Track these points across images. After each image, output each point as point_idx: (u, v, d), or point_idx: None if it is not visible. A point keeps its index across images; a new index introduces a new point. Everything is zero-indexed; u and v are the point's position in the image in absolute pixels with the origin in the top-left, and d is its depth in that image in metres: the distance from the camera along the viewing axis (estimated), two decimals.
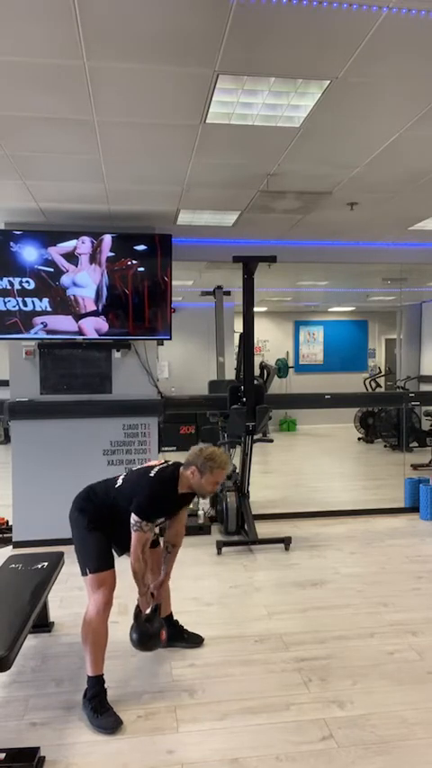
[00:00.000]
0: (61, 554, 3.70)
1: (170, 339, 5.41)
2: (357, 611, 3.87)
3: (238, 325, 5.47)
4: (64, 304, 5.03)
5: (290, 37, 2.39)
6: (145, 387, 5.43)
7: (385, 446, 10.10)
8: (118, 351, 5.36)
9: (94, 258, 5.02)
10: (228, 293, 7.31)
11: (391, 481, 7.20)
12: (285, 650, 3.37)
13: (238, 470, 5.54)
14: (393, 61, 2.56)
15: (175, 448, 7.50)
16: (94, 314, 5.09)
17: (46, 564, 3.48)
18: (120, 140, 3.43)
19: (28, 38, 2.37)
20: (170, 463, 3.12)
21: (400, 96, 2.89)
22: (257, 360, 5.44)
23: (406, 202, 4.65)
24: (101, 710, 2.75)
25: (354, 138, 3.39)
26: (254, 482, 5.55)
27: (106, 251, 5.03)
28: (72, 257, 4.99)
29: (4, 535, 5.34)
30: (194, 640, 3.43)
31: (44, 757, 2.51)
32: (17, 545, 5.12)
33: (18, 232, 4.96)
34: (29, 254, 4.94)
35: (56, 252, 4.97)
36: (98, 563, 2.91)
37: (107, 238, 5.03)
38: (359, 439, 10.87)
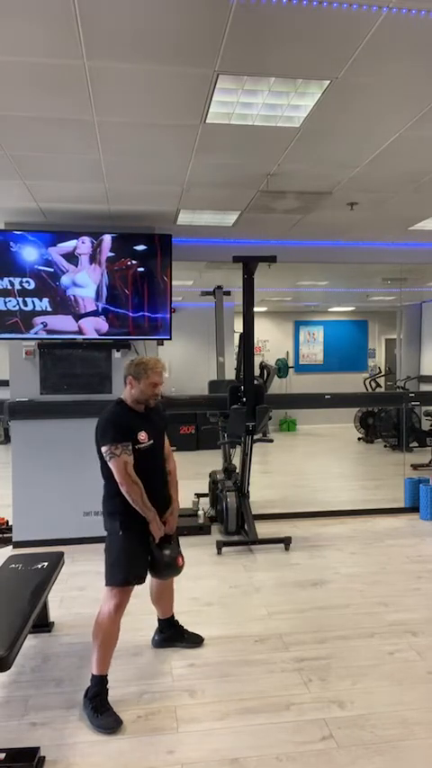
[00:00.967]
0: (61, 554, 3.70)
1: (170, 339, 5.41)
2: (357, 611, 3.87)
3: (238, 325, 5.47)
4: (64, 304, 5.03)
5: (290, 37, 2.39)
6: None
7: (385, 446, 10.10)
8: (118, 351, 5.36)
9: (94, 258, 5.02)
10: (228, 293, 7.30)
11: (391, 481, 7.21)
12: (285, 650, 3.37)
13: (238, 470, 5.54)
14: (393, 61, 2.56)
15: (174, 448, 7.48)
16: (94, 314, 5.09)
17: (46, 564, 3.48)
18: (120, 140, 3.43)
19: (28, 38, 2.37)
20: None
21: (400, 96, 2.89)
22: (257, 360, 5.43)
23: (406, 202, 4.65)
24: (101, 710, 2.75)
25: (354, 138, 3.39)
26: (254, 482, 5.55)
27: (106, 251, 5.03)
28: (72, 257, 4.99)
29: (4, 535, 5.34)
30: (194, 640, 3.43)
31: (44, 757, 2.51)
32: (17, 545, 5.12)
33: (18, 232, 4.95)
34: (29, 254, 4.93)
35: (56, 252, 4.97)
36: (126, 578, 2.89)
37: (107, 238, 5.02)
38: (359, 439, 10.87)
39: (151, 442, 3.02)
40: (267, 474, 8.25)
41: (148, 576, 3.07)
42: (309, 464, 9.32)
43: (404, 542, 5.24)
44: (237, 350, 6.01)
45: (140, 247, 5.11)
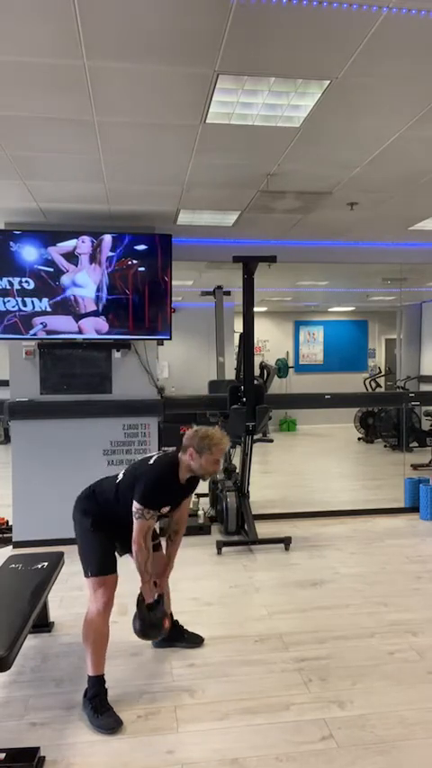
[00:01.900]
0: (61, 554, 3.70)
1: (170, 339, 5.41)
2: (357, 611, 3.87)
3: (238, 325, 5.47)
4: (64, 304, 5.03)
5: (290, 37, 2.39)
6: (145, 387, 5.43)
7: (385, 446, 10.10)
8: (118, 351, 5.36)
9: (94, 258, 5.02)
10: (228, 293, 7.30)
11: (391, 481, 7.20)
12: (285, 650, 3.37)
13: (238, 470, 5.54)
14: (393, 61, 2.56)
15: (175, 448, 7.47)
16: (94, 314, 5.08)
17: (46, 564, 3.48)
18: (120, 140, 3.43)
19: (28, 38, 2.37)
20: (169, 452, 3.11)
21: (400, 96, 2.89)
22: (257, 360, 5.44)
23: (406, 202, 4.65)
24: (101, 710, 2.75)
25: (354, 138, 3.39)
26: (254, 482, 5.55)
27: (106, 251, 5.03)
28: (72, 257, 4.99)
29: (4, 535, 5.34)
30: (194, 640, 3.43)
31: (44, 757, 2.51)
32: (17, 545, 5.12)
33: (18, 232, 4.95)
34: (29, 254, 4.93)
35: (56, 252, 4.97)
36: (101, 566, 2.90)
37: (107, 238, 5.02)
38: (359, 439, 10.87)
39: (168, 509, 3.04)
40: (267, 474, 8.25)
41: None
42: (309, 464, 9.32)
43: (404, 542, 5.24)
44: (237, 350, 6.01)
45: (141, 247, 5.10)
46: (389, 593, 4.12)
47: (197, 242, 5.82)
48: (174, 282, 5.26)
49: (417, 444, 9.38)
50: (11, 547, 5.15)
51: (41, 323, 5.02)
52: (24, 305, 4.97)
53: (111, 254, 5.04)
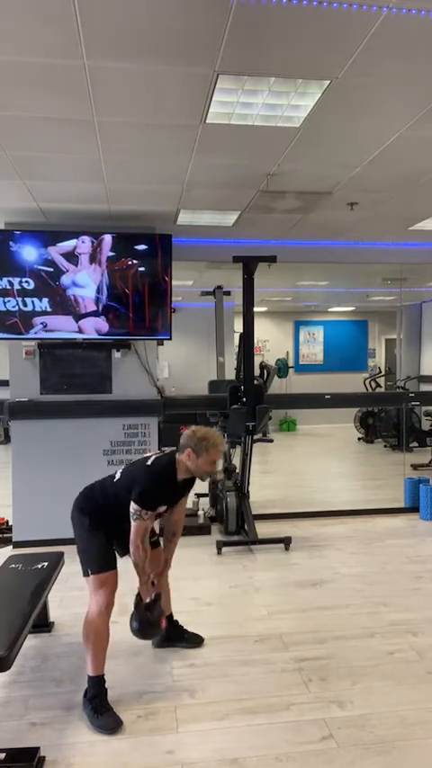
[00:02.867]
0: (61, 554, 3.70)
1: (170, 339, 5.41)
2: (357, 611, 3.87)
3: (238, 325, 5.47)
4: (64, 304, 5.03)
5: (290, 37, 2.39)
6: (145, 387, 5.43)
7: (385, 446, 10.10)
8: (118, 351, 5.36)
9: (94, 258, 5.02)
10: (228, 293, 7.30)
11: (391, 481, 7.20)
12: (285, 650, 3.37)
13: (238, 470, 5.54)
14: (393, 61, 2.56)
15: (174, 448, 7.47)
16: (94, 314, 5.08)
17: (46, 564, 3.48)
18: (120, 140, 3.43)
19: (28, 38, 2.37)
20: (166, 451, 3.11)
21: (400, 96, 2.89)
22: (257, 360, 5.43)
23: (406, 202, 4.65)
24: (101, 710, 2.75)
25: (354, 138, 3.39)
26: (254, 482, 5.55)
27: (106, 251, 5.03)
28: (72, 257, 4.99)
29: (4, 535, 5.34)
30: (194, 640, 3.43)
31: (44, 757, 2.51)
32: (17, 545, 5.12)
33: (18, 232, 4.95)
34: (29, 253, 4.93)
35: (56, 252, 4.96)
36: (100, 564, 2.90)
37: (107, 238, 5.02)
38: (359, 439, 10.87)
39: (164, 509, 3.04)
40: (267, 474, 8.25)
41: None
42: (309, 464, 9.32)
43: (404, 542, 5.24)
44: (237, 350, 6.01)
45: (141, 247, 5.10)
46: (389, 593, 4.12)
47: (197, 242, 5.82)
48: (174, 282, 5.26)
49: (417, 444, 9.38)
50: (11, 547, 5.15)
51: (42, 323, 5.02)
52: (24, 305, 4.96)
53: (111, 253, 5.04)
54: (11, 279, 4.92)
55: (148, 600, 2.98)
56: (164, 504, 3.01)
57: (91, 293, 5.06)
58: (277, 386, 10.29)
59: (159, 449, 5.78)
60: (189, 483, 3.12)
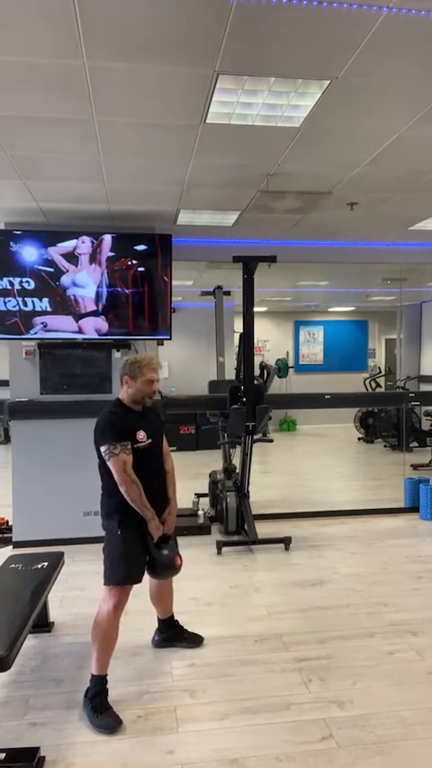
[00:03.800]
0: (61, 554, 3.70)
1: (170, 339, 5.41)
2: (357, 611, 3.87)
3: (238, 325, 5.46)
4: (64, 304, 5.03)
5: (290, 37, 2.39)
6: None
7: (385, 446, 10.10)
8: (118, 351, 5.36)
9: (94, 258, 5.02)
10: (228, 293, 7.30)
11: (391, 481, 7.21)
12: (285, 650, 3.37)
13: (238, 470, 5.54)
14: (393, 61, 2.56)
15: (175, 448, 7.48)
16: (94, 314, 5.08)
17: (46, 564, 3.48)
18: (120, 140, 3.43)
19: (28, 38, 2.37)
20: None
21: (400, 96, 2.89)
22: (257, 360, 5.43)
23: (406, 202, 4.65)
24: (101, 710, 2.75)
25: (354, 138, 3.39)
26: (254, 482, 5.55)
27: (106, 251, 5.03)
28: (72, 257, 4.99)
29: (4, 535, 5.34)
30: (194, 640, 3.43)
31: (44, 757, 2.51)
32: (17, 545, 5.12)
33: (18, 232, 4.95)
34: (29, 254, 4.93)
35: (56, 252, 4.96)
36: (124, 576, 2.89)
37: (107, 238, 5.02)
38: (359, 439, 10.87)
39: (149, 441, 3.02)
40: (267, 474, 8.25)
41: (147, 576, 3.06)
42: (309, 464, 9.32)
43: (404, 542, 5.24)
44: (237, 350, 6.01)
45: (140, 247, 5.10)
46: (389, 593, 4.12)
47: (197, 242, 5.82)
48: (174, 282, 5.26)
49: (417, 444, 9.39)
50: (11, 547, 5.15)
51: (42, 323, 5.02)
52: (25, 305, 4.97)
53: (111, 254, 5.04)
54: (11, 279, 4.92)
55: (157, 536, 2.94)
56: (138, 430, 2.96)
57: (91, 293, 5.06)
58: (277, 386, 10.30)
59: None
60: (156, 414, 3.16)
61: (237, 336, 5.98)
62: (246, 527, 5.24)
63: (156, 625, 3.45)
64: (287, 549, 5.03)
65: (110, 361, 5.37)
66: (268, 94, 2.87)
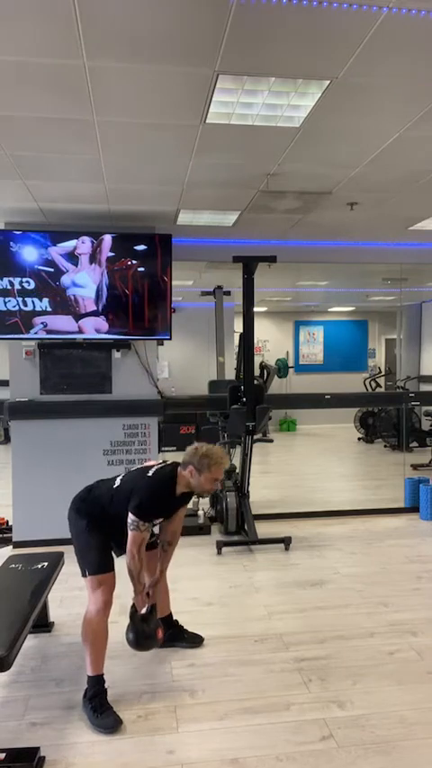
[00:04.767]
0: (61, 554, 3.70)
1: (170, 339, 5.41)
2: (357, 611, 3.87)
3: (238, 326, 5.47)
4: (64, 304, 5.03)
5: (290, 37, 2.39)
6: (145, 387, 5.43)
7: (385, 446, 10.10)
8: (118, 351, 5.36)
9: (94, 258, 5.02)
10: (228, 293, 7.30)
11: (391, 481, 7.20)
12: (285, 650, 3.37)
13: (238, 470, 5.54)
14: (393, 61, 2.56)
15: (174, 448, 7.48)
16: (94, 314, 5.09)
17: (46, 564, 3.48)
18: (120, 140, 3.43)
19: (28, 38, 2.37)
20: (168, 463, 3.11)
21: (400, 96, 2.89)
22: (257, 360, 5.43)
23: (406, 202, 4.65)
24: (101, 710, 2.75)
25: (354, 138, 3.39)
26: (254, 482, 5.55)
27: (106, 251, 5.03)
28: (72, 257, 4.99)
29: (4, 535, 5.34)
30: (194, 640, 3.43)
31: (44, 757, 2.51)
32: (17, 545, 5.12)
33: (18, 232, 4.96)
34: (29, 254, 4.94)
35: (56, 252, 4.97)
36: (98, 565, 2.90)
37: (107, 238, 5.03)
38: (359, 439, 10.86)
39: (161, 519, 3.04)
40: (267, 474, 8.25)
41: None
42: (309, 464, 9.31)
43: (404, 542, 5.24)
44: (237, 350, 6.01)
45: (140, 247, 5.10)
46: (389, 593, 4.12)
47: (197, 242, 5.81)
48: (174, 282, 5.26)
49: (417, 444, 9.38)
50: (11, 547, 5.15)
51: (42, 322, 5.02)
52: (25, 304, 4.97)
53: (111, 254, 5.04)
54: (11, 279, 4.93)
55: (143, 611, 2.98)
56: (160, 517, 3.02)
57: (91, 293, 5.06)
58: (277, 386, 10.28)
59: (159, 449, 5.79)
60: (188, 496, 3.12)
61: (237, 336, 5.98)
62: (246, 527, 5.24)
63: None
64: (287, 549, 5.03)
65: (110, 361, 5.38)
66: (268, 94, 2.87)
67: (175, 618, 3.47)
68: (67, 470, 5.07)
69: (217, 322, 7.02)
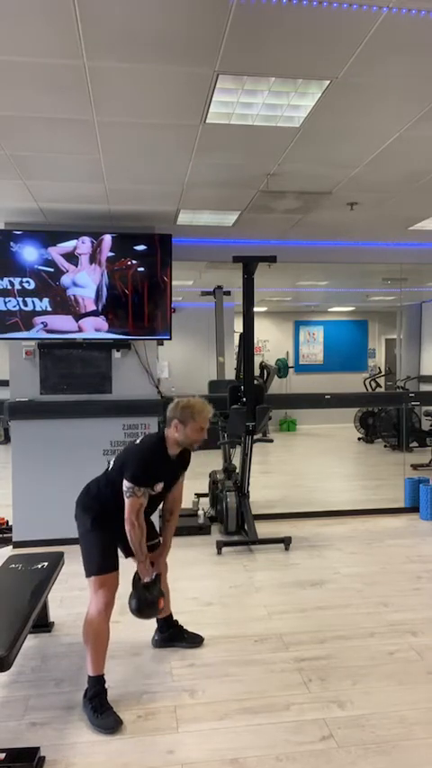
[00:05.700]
0: (61, 554, 3.70)
1: (170, 339, 5.41)
2: (357, 611, 3.87)
3: (238, 326, 5.47)
4: (64, 304, 5.03)
5: (290, 37, 2.39)
6: (145, 387, 5.44)
7: (385, 446, 10.10)
8: (118, 351, 5.36)
9: (94, 258, 5.02)
10: (228, 293, 7.30)
11: (391, 481, 7.20)
12: (285, 650, 3.37)
13: (238, 470, 5.54)
14: (393, 61, 2.56)
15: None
16: (94, 314, 5.09)
17: (46, 564, 3.48)
18: (120, 140, 3.43)
19: (28, 38, 2.37)
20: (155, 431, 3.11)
21: (400, 96, 2.89)
22: (257, 360, 5.44)
23: (406, 202, 4.65)
24: (101, 710, 2.75)
25: (354, 138, 3.39)
26: (254, 482, 5.55)
27: (106, 251, 5.03)
28: (72, 257, 4.99)
29: (4, 535, 5.34)
30: (194, 640, 3.43)
31: (44, 757, 2.51)
32: (17, 545, 5.12)
33: (18, 232, 4.96)
34: (29, 254, 4.94)
35: (56, 252, 4.97)
36: (101, 565, 2.90)
37: (107, 238, 5.03)
38: (359, 439, 10.87)
39: (161, 490, 3.03)
40: (267, 474, 8.25)
41: None
42: (309, 464, 9.32)
43: (404, 542, 5.24)
44: (237, 350, 6.01)
45: (140, 247, 5.10)
46: (389, 593, 4.12)
47: (197, 242, 5.81)
48: (174, 282, 5.26)
49: (417, 444, 9.39)
50: (11, 547, 5.15)
51: (42, 322, 5.02)
52: (25, 304, 4.97)
53: (110, 254, 5.04)
54: (11, 279, 4.93)
55: (147, 579, 2.97)
56: (160, 482, 2.98)
57: (91, 293, 5.06)
58: (277, 386, 10.29)
59: None
60: (184, 459, 3.11)
61: (237, 336, 5.99)
62: (246, 527, 5.24)
63: (155, 625, 3.45)
64: (287, 548, 5.03)
65: (110, 360, 5.38)
66: (268, 94, 2.87)
67: (175, 618, 3.47)
68: (68, 470, 5.07)
69: (217, 322, 7.02)
